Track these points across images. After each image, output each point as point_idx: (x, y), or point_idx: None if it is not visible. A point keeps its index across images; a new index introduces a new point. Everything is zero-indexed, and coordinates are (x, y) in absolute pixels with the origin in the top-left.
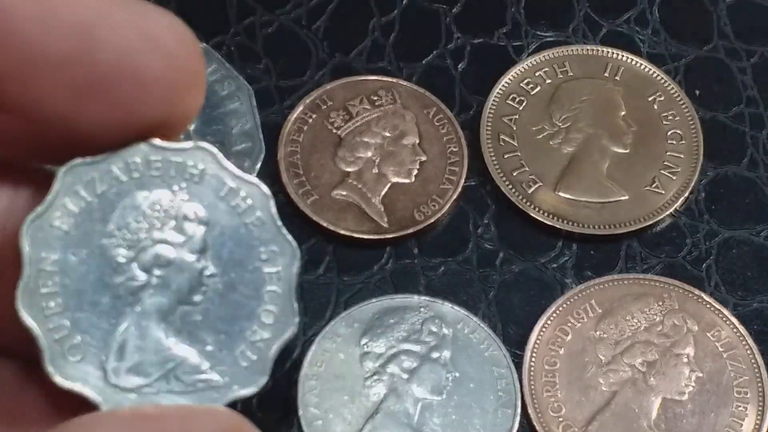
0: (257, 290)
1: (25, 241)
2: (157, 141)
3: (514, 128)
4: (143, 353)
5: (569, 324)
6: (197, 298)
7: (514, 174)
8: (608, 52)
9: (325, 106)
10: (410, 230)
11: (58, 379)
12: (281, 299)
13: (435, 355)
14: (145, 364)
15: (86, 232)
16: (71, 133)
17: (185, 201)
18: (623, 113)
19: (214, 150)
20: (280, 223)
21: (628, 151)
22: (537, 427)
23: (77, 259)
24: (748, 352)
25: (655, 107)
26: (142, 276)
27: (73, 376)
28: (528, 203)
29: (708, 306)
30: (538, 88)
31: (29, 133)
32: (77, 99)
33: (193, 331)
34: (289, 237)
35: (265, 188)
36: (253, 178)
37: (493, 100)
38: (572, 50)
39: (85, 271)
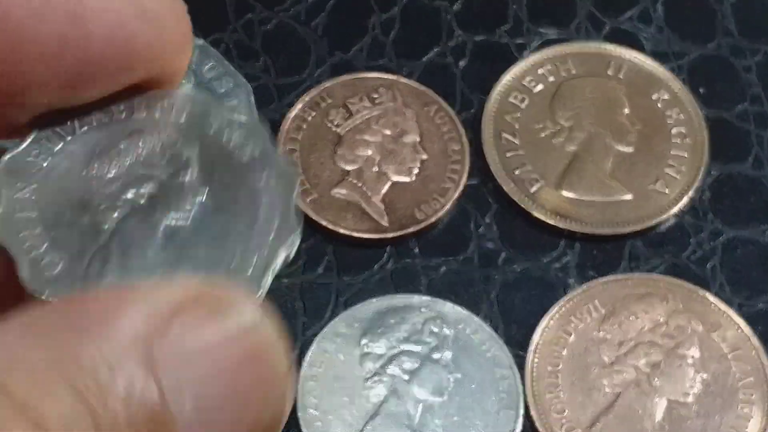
0: (253, 203)
1: (0, 174)
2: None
3: (516, 126)
4: (128, 269)
5: (572, 324)
6: (182, 215)
7: (516, 173)
8: (611, 49)
9: (324, 104)
10: (411, 229)
11: (33, 286)
12: (280, 211)
13: (436, 355)
14: (130, 279)
15: (67, 168)
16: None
17: (175, 143)
18: (627, 112)
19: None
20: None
21: (631, 149)
22: (540, 429)
23: (57, 187)
24: (754, 353)
25: (659, 106)
26: (128, 195)
27: (50, 285)
28: (530, 202)
29: (713, 306)
30: (541, 86)
31: (19, 118)
32: (74, 81)
33: (183, 246)
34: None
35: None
36: (246, 118)
37: (495, 98)
38: (575, 48)
39: (64, 196)
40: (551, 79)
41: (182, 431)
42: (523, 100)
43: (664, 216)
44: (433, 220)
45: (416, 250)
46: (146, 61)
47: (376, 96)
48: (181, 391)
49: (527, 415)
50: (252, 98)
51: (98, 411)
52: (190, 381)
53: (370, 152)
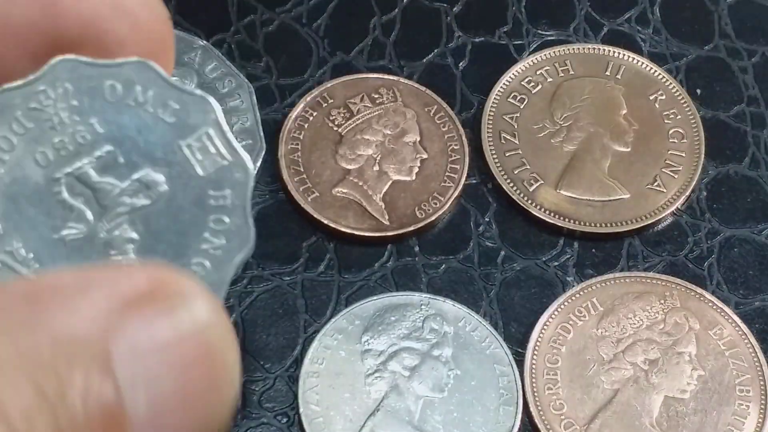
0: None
1: None
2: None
3: (516, 126)
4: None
5: (571, 322)
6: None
7: (516, 172)
8: (609, 51)
9: (325, 104)
10: (411, 228)
11: None
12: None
13: (436, 352)
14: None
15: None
16: None
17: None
18: (624, 112)
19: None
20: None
21: (629, 149)
22: (539, 425)
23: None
24: (750, 350)
25: (657, 106)
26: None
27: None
28: (529, 201)
29: (710, 304)
30: (540, 87)
31: None
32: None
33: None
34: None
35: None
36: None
37: (494, 99)
38: (573, 49)
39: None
40: (550, 79)
41: (136, 429)
42: (522, 101)
43: (662, 215)
44: (433, 218)
45: (416, 249)
46: (118, 56)
47: (376, 96)
48: (136, 388)
49: (526, 412)
50: (254, 98)
51: (57, 405)
52: (144, 378)
53: (370, 151)
